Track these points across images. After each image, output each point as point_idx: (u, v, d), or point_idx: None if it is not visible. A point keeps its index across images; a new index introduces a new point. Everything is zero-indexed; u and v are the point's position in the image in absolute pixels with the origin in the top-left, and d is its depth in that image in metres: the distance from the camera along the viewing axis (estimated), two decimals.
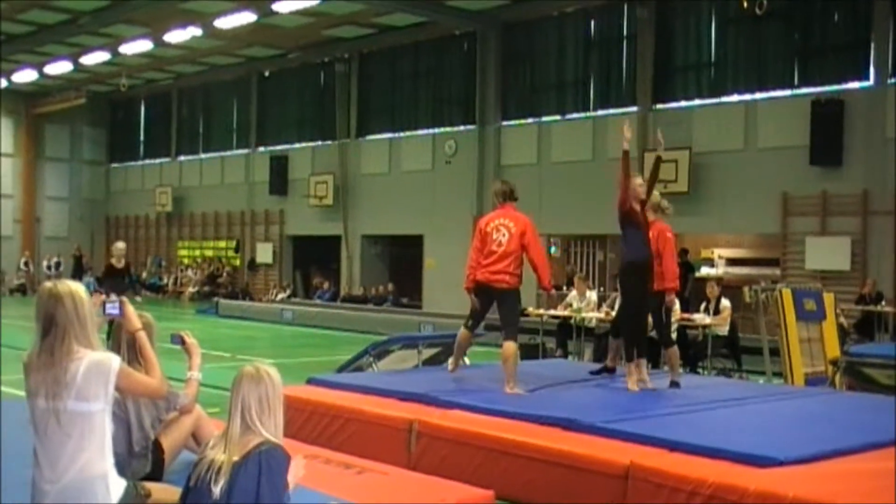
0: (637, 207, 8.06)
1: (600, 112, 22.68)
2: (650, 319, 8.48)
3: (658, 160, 8.44)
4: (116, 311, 4.32)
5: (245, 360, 16.14)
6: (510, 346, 7.91)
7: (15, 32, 27.36)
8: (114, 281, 13.66)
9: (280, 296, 29.16)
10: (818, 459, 5.47)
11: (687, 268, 22.03)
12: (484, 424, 6.53)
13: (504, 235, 7.90)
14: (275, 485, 3.67)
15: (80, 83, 34.13)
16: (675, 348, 8.72)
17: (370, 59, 28.11)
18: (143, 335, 4.38)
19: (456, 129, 25.71)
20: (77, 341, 3.77)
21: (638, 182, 8.15)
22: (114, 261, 14.37)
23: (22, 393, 3.96)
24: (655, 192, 8.46)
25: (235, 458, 3.63)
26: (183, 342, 4.88)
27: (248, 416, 3.66)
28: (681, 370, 8.73)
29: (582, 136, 22.84)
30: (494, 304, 8.12)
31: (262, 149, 31.69)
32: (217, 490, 3.62)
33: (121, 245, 14.98)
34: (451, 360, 8.51)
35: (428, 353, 10.48)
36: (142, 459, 4.82)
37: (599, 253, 23.82)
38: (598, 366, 9.29)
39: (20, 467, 4.06)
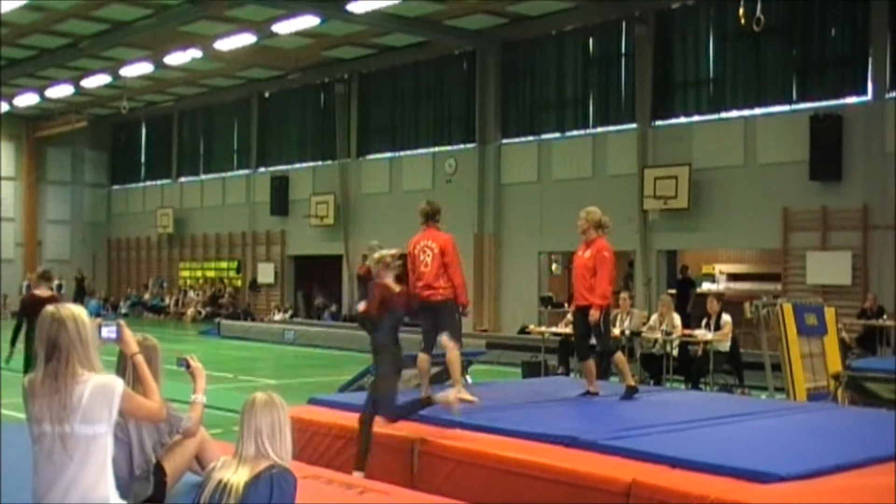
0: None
1: (600, 129, 22.77)
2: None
3: None
4: (113, 336, 4.33)
5: (247, 381, 16.04)
6: (453, 353, 8.21)
7: (16, 56, 27.50)
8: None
9: (279, 315, 29.13)
10: (820, 475, 5.46)
11: (688, 283, 22.09)
12: (486, 443, 6.53)
13: (428, 256, 8.27)
14: None
15: (81, 106, 34.29)
16: (620, 355, 8.95)
17: (370, 80, 28.22)
18: (140, 359, 4.38)
19: (456, 147, 25.78)
20: (81, 364, 3.78)
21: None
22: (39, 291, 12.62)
23: (22, 416, 3.97)
24: (595, 209, 8.72)
25: (246, 479, 3.71)
26: (188, 366, 4.90)
27: (259, 441, 3.78)
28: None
29: (582, 153, 22.90)
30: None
31: (262, 169, 31.78)
32: None
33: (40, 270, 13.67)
34: (421, 389, 8.44)
35: None
36: (143, 482, 4.83)
37: None
38: (598, 383, 9.26)
39: (20, 490, 4.06)
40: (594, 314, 8.36)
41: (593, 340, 8.95)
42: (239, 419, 3.85)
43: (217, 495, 3.73)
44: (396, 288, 7.39)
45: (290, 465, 3.85)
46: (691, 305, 20.41)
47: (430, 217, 8.46)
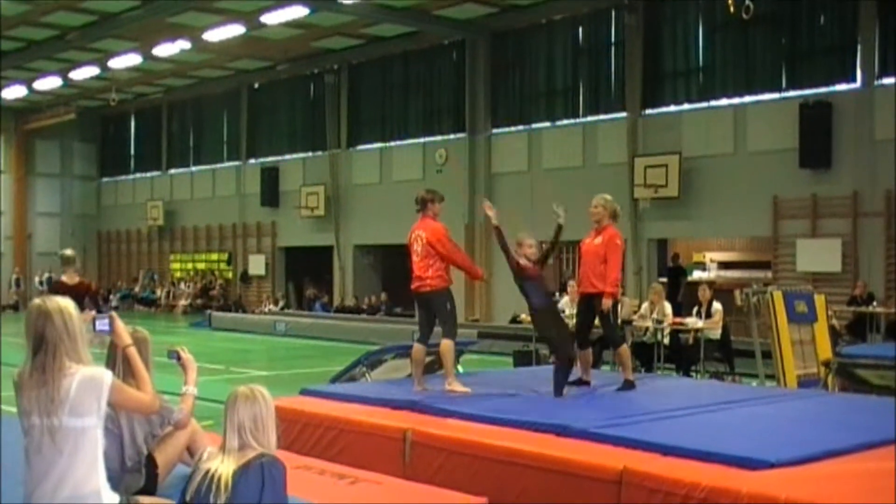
0: (527, 263, 8.27)
1: (590, 118, 22.79)
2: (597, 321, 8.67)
3: (559, 228, 8.57)
4: (106, 328, 4.33)
5: (239, 372, 16.02)
6: (446, 344, 8.22)
7: (4, 49, 27.35)
8: None
9: (271, 307, 29.10)
10: (811, 461, 5.48)
11: (679, 272, 22.13)
12: (478, 432, 6.54)
13: (419, 245, 8.30)
14: (278, 494, 3.80)
15: (69, 98, 34.16)
16: (625, 347, 8.80)
17: (360, 70, 28.16)
18: (133, 351, 4.39)
19: (446, 137, 25.76)
20: (68, 357, 3.77)
21: (528, 243, 8.33)
22: None
23: (16, 410, 3.96)
24: (610, 197, 8.68)
25: (234, 468, 3.74)
26: (179, 358, 4.89)
27: (243, 434, 3.82)
28: (635, 371, 8.87)
29: (572, 142, 22.91)
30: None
31: (252, 161, 31.72)
32: (218, 501, 3.70)
33: None
34: (414, 380, 8.40)
35: None
36: (135, 474, 4.83)
37: None
38: (591, 372, 9.26)
39: (18, 484, 4.06)
40: (606, 303, 8.29)
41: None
42: (223, 413, 3.87)
43: (205, 486, 3.74)
44: (74, 280, 10.13)
45: (278, 454, 3.88)
46: (682, 294, 20.46)
47: (422, 206, 8.49)
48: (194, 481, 3.83)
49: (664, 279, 20.99)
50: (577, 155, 22.74)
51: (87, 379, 3.77)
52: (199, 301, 32.41)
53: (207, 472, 3.77)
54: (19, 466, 3.95)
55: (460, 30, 24.63)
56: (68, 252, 10.57)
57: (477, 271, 8.52)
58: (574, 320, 14.16)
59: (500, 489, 5.95)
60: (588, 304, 8.54)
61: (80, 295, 9.98)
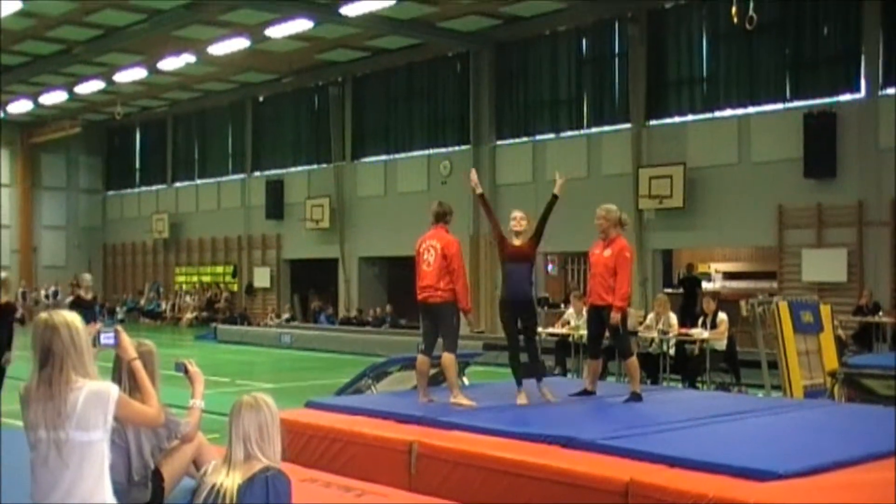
0: (516, 241, 8.33)
1: (594, 129, 22.80)
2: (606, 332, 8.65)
3: (553, 198, 8.87)
4: (112, 342, 4.33)
5: (245, 385, 15.97)
6: (447, 357, 8.15)
7: (10, 63, 27.46)
8: None
9: (279, 318, 29.09)
10: (818, 472, 5.46)
11: (694, 282, 22.04)
12: (484, 444, 6.52)
13: (431, 255, 8.24)
14: None
15: (75, 112, 34.29)
16: (634, 359, 8.66)
17: (364, 82, 28.22)
18: (138, 364, 4.39)
19: (451, 149, 25.79)
20: (75, 371, 3.77)
21: (513, 215, 8.44)
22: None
23: (21, 423, 3.96)
24: (614, 207, 8.67)
25: (240, 482, 3.73)
26: (186, 370, 4.89)
27: (248, 444, 3.80)
28: (640, 383, 8.74)
29: (576, 153, 22.91)
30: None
31: (257, 173, 31.78)
32: None
33: None
34: (419, 391, 8.34)
35: None
36: (141, 488, 4.82)
37: None
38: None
39: (20, 497, 4.06)
40: (615, 317, 8.24)
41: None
42: (227, 423, 3.85)
43: (211, 501, 3.73)
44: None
45: (284, 466, 3.87)
46: (700, 304, 20.34)
47: (439, 218, 8.47)
48: (200, 495, 3.82)
49: (677, 290, 20.89)
50: (582, 166, 22.74)
51: (93, 393, 3.77)
52: (204, 313, 32.43)
53: (213, 486, 3.76)
54: (20, 478, 3.95)
55: (464, 41, 24.67)
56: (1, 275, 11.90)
57: (468, 305, 8.36)
58: (578, 331, 14.34)
59: (506, 501, 5.94)
60: (597, 315, 8.52)
61: (6, 314, 11.36)
